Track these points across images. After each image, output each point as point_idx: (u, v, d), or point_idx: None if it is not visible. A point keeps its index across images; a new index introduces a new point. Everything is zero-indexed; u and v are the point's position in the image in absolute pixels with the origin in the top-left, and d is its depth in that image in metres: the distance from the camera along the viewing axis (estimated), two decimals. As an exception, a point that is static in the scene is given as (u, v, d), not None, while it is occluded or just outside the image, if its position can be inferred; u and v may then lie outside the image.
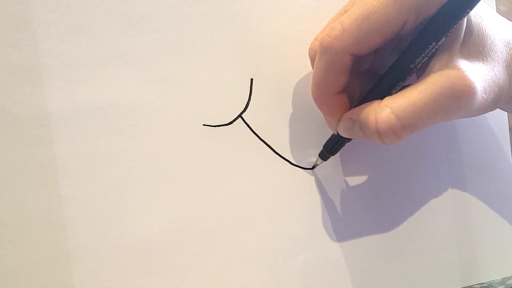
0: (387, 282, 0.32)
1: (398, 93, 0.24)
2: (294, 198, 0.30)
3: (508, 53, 0.25)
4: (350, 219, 0.31)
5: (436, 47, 0.24)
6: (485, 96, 0.24)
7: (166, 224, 0.28)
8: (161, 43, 0.28)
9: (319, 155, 0.30)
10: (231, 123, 0.29)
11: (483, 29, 0.25)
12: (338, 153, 0.31)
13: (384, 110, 0.24)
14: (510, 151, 0.35)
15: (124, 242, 0.28)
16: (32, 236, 0.27)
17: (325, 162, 0.30)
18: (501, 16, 0.27)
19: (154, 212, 0.28)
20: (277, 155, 0.30)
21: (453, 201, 0.33)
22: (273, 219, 0.30)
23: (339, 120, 0.27)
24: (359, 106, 0.26)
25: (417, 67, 0.24)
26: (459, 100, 0.23)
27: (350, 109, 0.27)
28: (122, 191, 0.28)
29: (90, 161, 0.27)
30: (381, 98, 0.25)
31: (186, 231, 0.29)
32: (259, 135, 0.30)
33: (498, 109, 0.34)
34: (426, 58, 0.24)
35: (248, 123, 0.29)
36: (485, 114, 0.34)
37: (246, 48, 0.29)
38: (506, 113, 0.34)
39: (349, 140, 0.29)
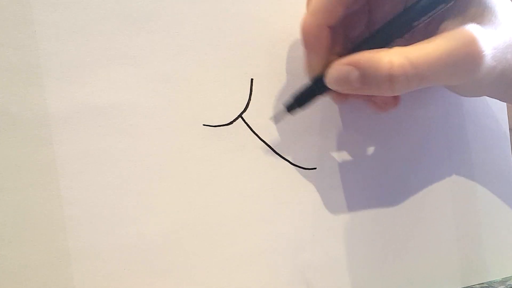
0: (387, 282, 0.32)
1: (411, 45, 0.24)
2: (294, 198, 0.30)
3: None
4: (350, 218, 0.31)
5: (443, 9, 0.24)
6: (494, 63, 0.24)
7: (166, 224, 0.28)
8: (161, 43, 0.28)
9: (286, 107, 0.28)
10: (231, 123, 0.29)
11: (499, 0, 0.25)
12: (338, 153, 0.31)
13: (400, 55, 0.23)
14: (510, 151, 0.35)
15: (124, 242, 0.28)
16: (32, 236, 0.26)
17: (325, 162, 0.30)
18: None
19: (154, 212, 0.28)
20: (277, 155, 0.30)
21: (453, 201, 0.33)
22: (273, 219, 0.30)
23: (324, 64, 0.26)
24: (358, 53, 0.24)
25: (419, 25, 0.24)
26: (469, 61, 0.23)
27: (340, 55, 0.26)
28: (122, 191, 0.28)
29: (90, 161, 0.27)
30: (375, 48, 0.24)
31: (186, 231, 0.29)
32: (259, 135, 0.30)
33: (499, 108, 0.34)
34: (429, 19, 0.24)
35: (248, 123, 0.29)
36: (486, 114, 0.34)
37: (246, 48, 0.29)
38: (506, 113, 0.34)
39: (324, 91, 0.27)
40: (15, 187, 0.26)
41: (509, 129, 0.35)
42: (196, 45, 0.28)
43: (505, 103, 0.35)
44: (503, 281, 0.34)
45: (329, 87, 0.26)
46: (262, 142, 0.30)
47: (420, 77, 0.23)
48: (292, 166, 0.30)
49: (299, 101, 0.28)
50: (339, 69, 0.25)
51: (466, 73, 0.24)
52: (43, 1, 0.26)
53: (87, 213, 0.27)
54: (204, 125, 0.29)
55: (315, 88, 0.27)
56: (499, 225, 0.34)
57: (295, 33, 0.30)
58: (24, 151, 0.26)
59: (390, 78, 0.23)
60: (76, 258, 0.27)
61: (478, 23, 0.24)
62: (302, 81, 0.30)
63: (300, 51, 0.30)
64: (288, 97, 0.28)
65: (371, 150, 0.32)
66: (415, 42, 0.24)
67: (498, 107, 0.34)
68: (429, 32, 0.25)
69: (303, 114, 0.30)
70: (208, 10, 0.28)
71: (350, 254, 0.31)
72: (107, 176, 0.27)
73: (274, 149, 0.30)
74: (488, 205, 0.34)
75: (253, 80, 0.29)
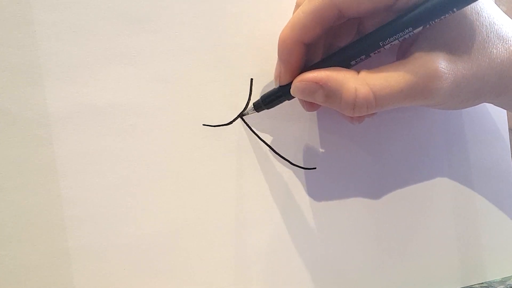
0: (387, 282, 0.32)
1: (376, 70, 0.25)
2: (294, 198, 0.30)
3: (506, 50, 0.26)
4: (350, 218, 0.31)
5: (410, 33, 0.24)
6: (456, 90, 0.25)
7: (166, 224, 0.28)
8: (161, 43, 0.28)
9: (253, 104, 0.29)
10: (231, 123, 0.29)
11: (476, 26, 0.25)
12: (337, 153, 0.31)
13: (365, 86, 0.24)
14: (510, 151, 0.35)
15: (124, 242, 0.28)
16: (32, 236, 0.26)
17: (325, 162, 0.30)
18: (505, 16, 0.27)
19: (154, 212, 0.28)
20: (277, 155, 0.30)
21: (453, 201, 0.33)
22: (273, 219, 0.30)
23: (292, 76, 0.26)
24: (325, 71, 0.25)
25: (385, 47, 0.25)
26: (428, 91, 0.24)
27: (304, 70, 0.26)
28: (122, 191, 0.28)
29: (90, 161, 0.27)
30: (341, 65, 0.25)
31: (186, 231, 0.29)
32: (259, 135, 0.30)
33: (498, 109, 0.34)
34: (397, 41, 0.25)
35: (248, 123, 0.29)
36: (485, 114, 0.34)
37: (246, 48, 0.29)
38: (506, 113, 0.35)
39: (292, 98, 0.28)
40: (15, 187, 0.26)
41: (509, 129, 0.35)
42: (196, 45, 0.28)
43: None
44: (502, 281, 0.34)
45: (293, 95, 0.27)
46: (262, 142, 0.30)
47: (380, 107, 0.25)
48: (292, 166, 0.30)
49: (266, 103, 0.28)
50: (305, 84, 0.26)
51: (426, 100, 0.25)
52: (43, 1, 0.26)
53: (87, 213, 0.27)
54: (204, 125, 0.29)
55: (282, 94, 0.27)
56: (499, 225, 0.34)
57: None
58: (24, 151, 0.26)
59: (353, 105, 0.25)
60: (76, 258, 0.27)
61: (449, 51, 0.25)
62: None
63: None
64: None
65: (371, 150, 0.32)
66: (384, 61, 0.25)
67: (498, 107, 0.34)
68: (402, 50, 0.26)
69: (303, 114, 0.30)
70: (208, 10, 0.28)
71: (350, 254, 0.31)
72: (107, 176, 0.27)
73: (274, 149, 0.30)
74: (488, 205, 0.34)
75: (253, 80, 0.29)
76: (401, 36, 0.24)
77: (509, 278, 0.34)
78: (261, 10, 0.29)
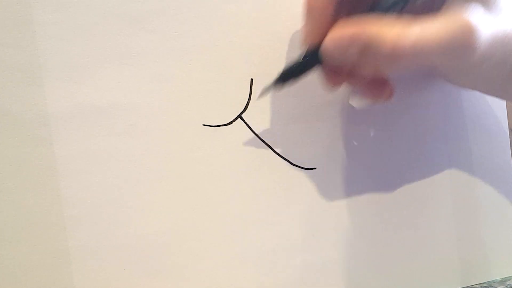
0: (387, 282, 0.32)
1: (413, 21, 0.24)
2: (294, 198, 0.30)
3: None
4: (350, 219, 0.31)
5: None
6: (491, 51, 0.24)
7: (166, 224, 0.28)
8: (161, 43, 0.28)
9: (275, 83, 0.27)
10: (231, 123, 0.29)
11: None
12: (337, 153, 0.31)
13: (403, 36, 0.23)
14: (510, 151, 0.35)
15: (124, 242, 0.28)
16: (32, 236, 0.27)
17: (325, 162, 0.30)
18: None
19: (154, 212, 0.28)
20: (277, 155, 0.30)
21: (453, 201, 0.33)
22: (273, 219, 0.30)
23: (322, 34, 0.25)
24: (359, 24, 0.24)
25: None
26: (465, 49, 0.24)
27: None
28: (122, 191, 0.28)
29: (90, 161, 0.27)
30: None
31: (186, 231, 0.29)
32: (259, 135, 0.30)
33: (498, 108, 0.34)
34: None
35: (248, 123, 0.29)
36: (486, 114, 0.34)
37: (246, 48, 0.29)
38: (506, 113, 0.34)
39: (320, 62, 0.26)
40: (15, 187, 0.26)
41: (509, 129, 0.35)
42: (196, 45, 0.28)
43: (505, 102, 0.35)
44: (502, 281, 0.34)
45: (324, 57, 0.25)
46: (262, 142, 0.30)
47: (420, 58, 0.24)
48: (292, 166, 0.30)
49: (292, 72, 0.26)
50: (339, 38, 0.24)
51: (462, 58, 0.24)
52: (43, 1, 0.26)
53: (87, 213, 0.27)
54: (204, 125, 0.29)
55: (308, 61, 0.26)
56: (499, 224, 0.34)
57: (295, 33, 0.30)
58: (24, 151, 0.26)
59: (392, 55, 0.23)
60: (76, 258, 0.27)
61: (481, 3, 0.24)
62: (302, 81, 0.30)
63: (300, 51, 0.30)
64: (281, 96, 0.28)
65: (371, 150, 0.32)
66: (420, 13, 0.24)
67: (498, 107, 0.34)
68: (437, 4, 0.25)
69: (303, 114, 0.30)
70: (208, 10, 0.28)
71: (350, 254, 0.31)
72: (107, 176, 0.27)
73: (274, 149, 0.30)
74: (488, 205, 0.34)
75: (253, 80, 0.29)
76: None
77: (509, 278, 0.34)
78: (261, 10, 0.29)
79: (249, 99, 0.29)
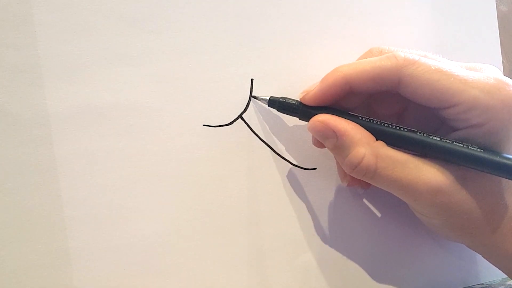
0: (387, 282, 0.32)
1: (391, 149, 0.26)
2: (294, 198, 0.30)
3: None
4: (350, 219, 0.31)
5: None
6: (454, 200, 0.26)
7: (166, 224, 0.28)
8: (161, 43, 0.28)
9: (270, 98, 0.28)
10: (231, 123, 0.29)
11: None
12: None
13: (373, 158, 0.25)
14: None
15: (124, 242, 0.28)
16: (32, 236, 0.27)
17: (325, 162, 0.30)
18: None
19: (154, 212, 0.28)
20: (277, 155, 0.30)
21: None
22: (273, 219, 0.30)
23: (320, 101, 0.27)
24: (347, 124, 0.26)
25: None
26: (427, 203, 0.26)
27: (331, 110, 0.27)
28: (122, 191, 0.28)
29: (90, 161, 0.27)
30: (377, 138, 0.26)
31: (186, 231, 0.29)
32: (259, 135, 0.30)
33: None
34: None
35: (248, 123, 0.29)
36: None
37: (246, 48, 0.29)
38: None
39: (305, 121, 0.28)
40: (15, 187, 0.26)
41: None
42: (196, 45, 0.28)
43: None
44: (502, 282, 0.34)
45: (308, 129, 0.27)
46: (262, 142, 0.30)
47: (377, 182, 0.26)
48: (292, 166, 0.30)
49: (281, 107, 0.28)
50: (323, 127, 0.26)
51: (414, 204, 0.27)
52: (43, 1, 0.26)
53: (87, 213, 0.27)
54: (204, 125, 0.29)
55: (299, 113, 0.28)
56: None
57: (295, 33, 0.30)
58: (24, 151, 0.26)
59: (354, 167, 0.26)
60: (76, 258, 0.27)
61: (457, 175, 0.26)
62: (302, 81, 0.30)
63: (300, 51, 0.30)
64: (281, 95, 0.28)
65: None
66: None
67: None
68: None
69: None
70: (207, 10, 0.28)
71: (350, 254, 0.31)
72: (107, 176, 0.27)
73: (274, 149, 0.30)
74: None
75: (253, 80, 0.29)
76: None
77: (509, 278, 0.34)
78: (261, 10, 0.29)
79: (250, 99, 0.29)
